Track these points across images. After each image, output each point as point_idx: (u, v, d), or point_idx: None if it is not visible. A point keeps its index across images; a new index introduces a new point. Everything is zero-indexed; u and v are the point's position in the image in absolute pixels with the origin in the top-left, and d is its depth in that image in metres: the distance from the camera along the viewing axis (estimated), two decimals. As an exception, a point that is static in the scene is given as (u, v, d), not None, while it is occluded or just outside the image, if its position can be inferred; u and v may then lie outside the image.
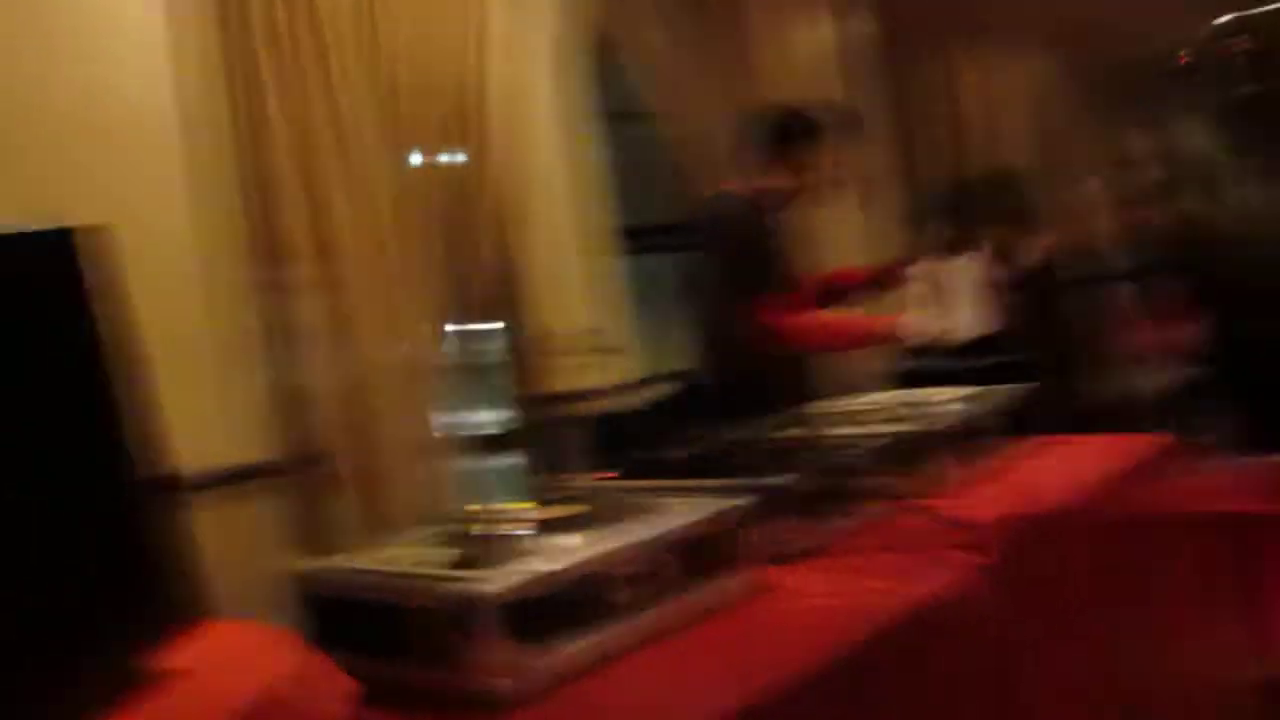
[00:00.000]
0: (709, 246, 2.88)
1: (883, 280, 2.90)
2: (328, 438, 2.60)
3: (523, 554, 1.31)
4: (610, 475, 1.95)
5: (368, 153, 2.70)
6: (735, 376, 2.92)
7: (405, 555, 1.45)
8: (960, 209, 3.88)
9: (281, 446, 2.60)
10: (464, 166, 3.01)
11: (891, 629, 1.37)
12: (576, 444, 3.37)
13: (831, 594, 1.47)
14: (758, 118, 2.98)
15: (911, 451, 1.88)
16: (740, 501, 1.50)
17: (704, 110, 3.85)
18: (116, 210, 2.40)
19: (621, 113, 3.97)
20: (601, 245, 3.58)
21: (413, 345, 2.78)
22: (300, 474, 2.61)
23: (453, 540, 1.39)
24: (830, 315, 2.80)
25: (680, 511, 1.47)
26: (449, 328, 3.02)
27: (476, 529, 1.34)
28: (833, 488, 1.67)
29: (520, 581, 1.21)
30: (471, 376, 3.84)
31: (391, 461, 2.68)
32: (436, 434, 2.85)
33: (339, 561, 1.47)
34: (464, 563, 1.31)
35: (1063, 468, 2.04)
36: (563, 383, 3.35)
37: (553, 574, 1.25)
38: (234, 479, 2.53)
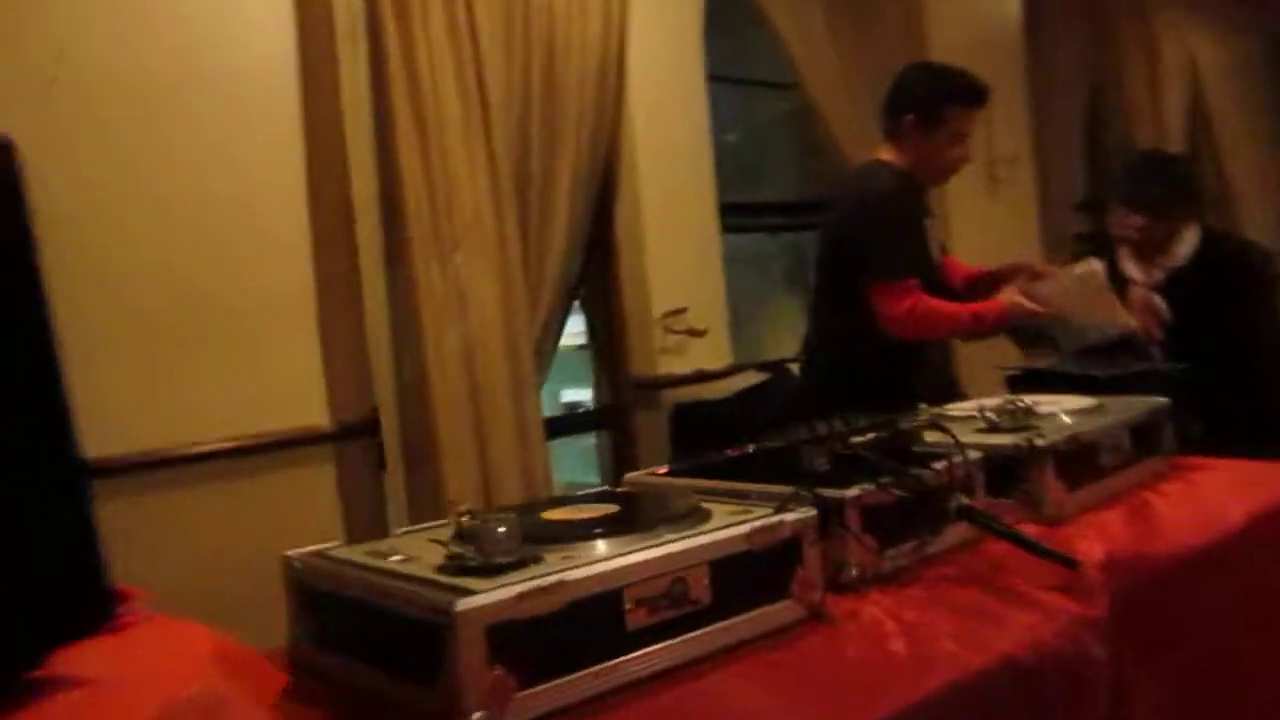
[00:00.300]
0: (851, 220, 2.62)
1: (1010, 277, 2.63)
2: (418, 407, 2.45)
3: (530, 562, 1.12)
4: (665, 470, 1.73)
5: (493, 114, 2.52)
6: (834, 367, 2.69)
7: (410, 548, 1.26)
8: (1107, 198, 3.52)
9: (363, 413, 2.47)
10: (585, 132, 2.81)
11: (968, 686, 1.13)
12: (657, 432, 3.17)
13: (899, 634, 1.23)
14: (916, 77, 2.70)
15: (1012, 468, 1.62)
16: (800, 514, 1.27)
17: (849, 76, 3.58)
18: (232, 165, 2.35)
19: (741, 79, 3.76)
20: (705, 220, 3.35)
21: (513, 317, 2.60)
22: (376, 442, 2.48)
23: (468, 538, 1.19)
24: (937, 301, 2.53)
25: (726, 521, 1.25)
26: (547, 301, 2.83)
27: (493, 526, 1.14)
28: (913, 505, 1.43)
29: (506, 598, 1.02)
30: (562, 355, 3.68)
31: (478, 437, 2.51)
32: (525, 413, 2.67)
33: (335, 551, 1.29)
34: (460, 566, 1.11)
35: (1197, 497, 1.74)
36: (648, 365, 3.14)
37: (551, 589, 1.05)
38: (327, 439, 2.44)
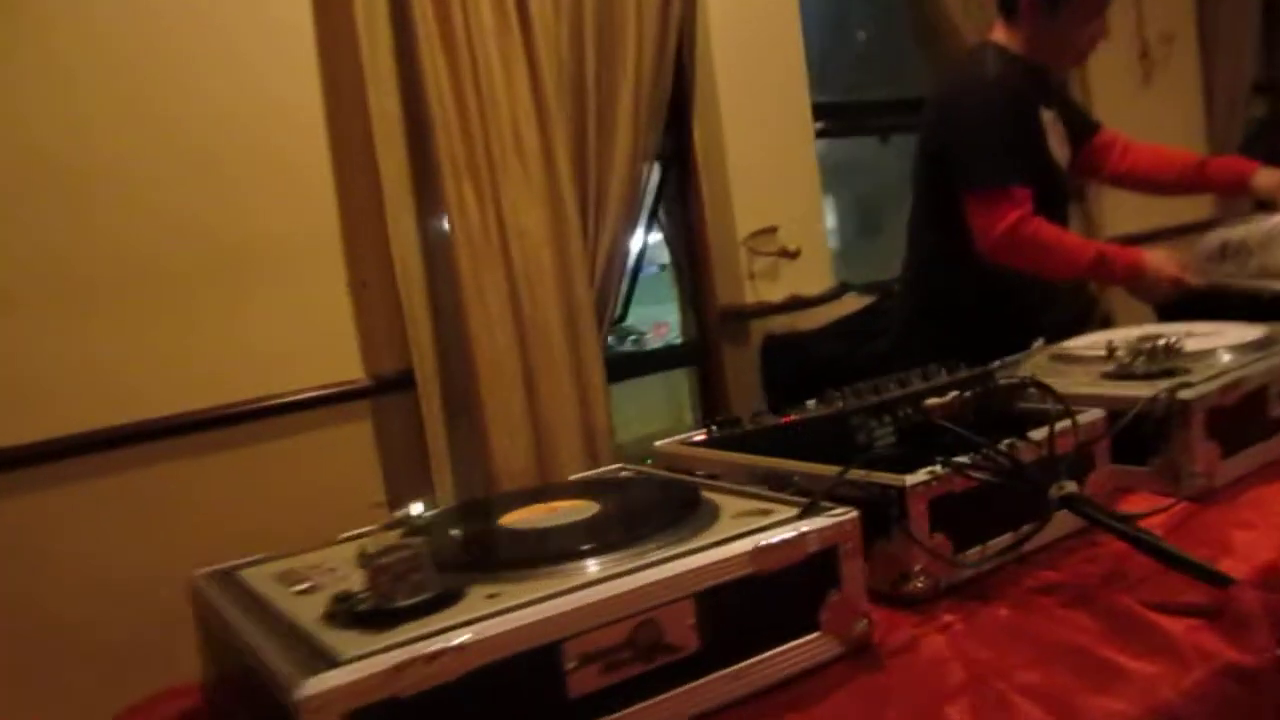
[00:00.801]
0: (944, 116, 2.18)
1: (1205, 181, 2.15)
2: (457, 355, 2.20)
3: (443, 603, 0.83)
4: (700, 438, 1.41)
5: (534, 16, 2.20)
6: (932, 297, 2.28)
7: (338, 567, 1.00)
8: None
9: (401, 364, 2.23)
10: (649, 30, 2.45)
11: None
12: (748, 368, 2.83)
13: (964, 687, 0.90)
14: None
15: (1148, 427, 1.24)
16: (830, 519, 0.94)
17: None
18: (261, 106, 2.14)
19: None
20: (797, 125, 2.94)
21: (565, 246, 2.29)
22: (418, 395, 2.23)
23: (373, 563, 0.91)
24: (1056, 229, 2.06)
25: (728, 530, 0.93)
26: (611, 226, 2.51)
27: (397, 553, 0.86)
28: (1001, 491, 1.07)
29: (374, 674, 0.73)
30: (638, 284, 3.37)
31: (528, 387, 2.24)
32: (582, 357, 2.36)
33: (243, 572, 1.04)
34: (350, 612, 0.83)
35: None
36: (734, 293, 2.80)
37: (445, 655, 0.76)
38: (363, 394, 2.22)
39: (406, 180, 2.14)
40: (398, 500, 2.25)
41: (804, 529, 0.92)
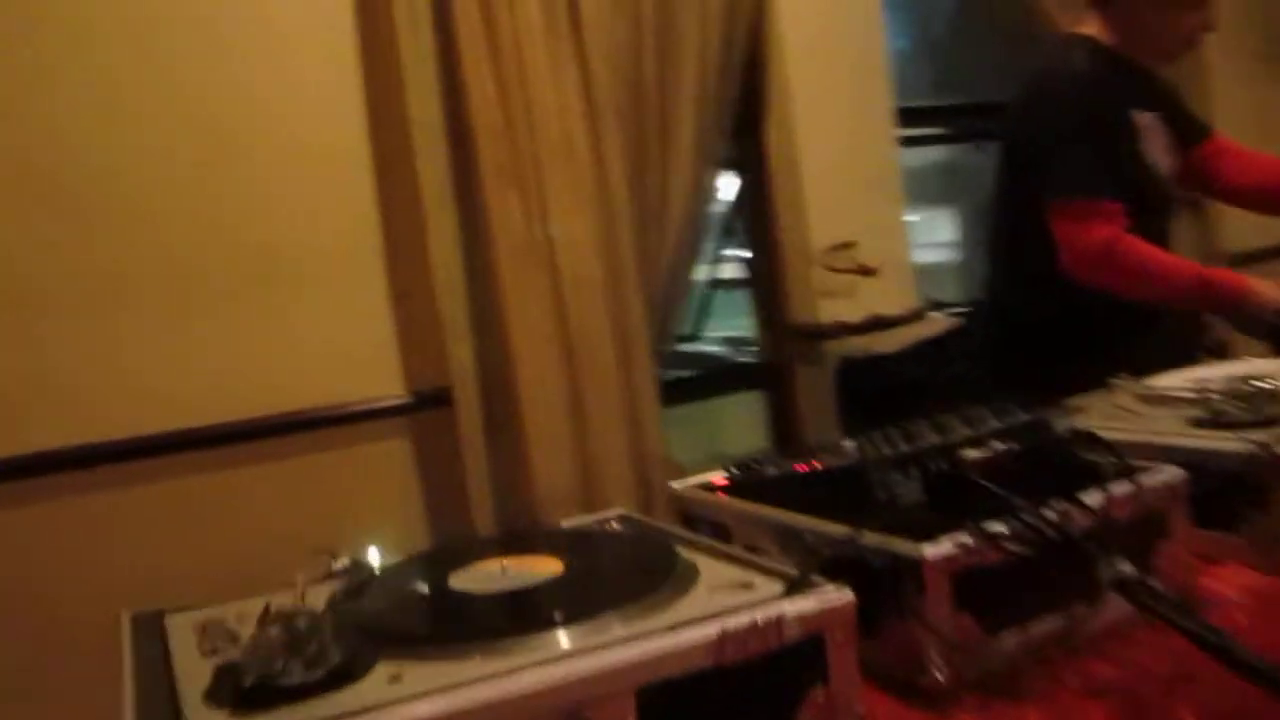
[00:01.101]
0: (1026, 118, 1.98)
1: None
2: (497, 370, 2.09)
3: (338, 682, 0.71)
4: (721, 482, 1.26)
5: (585, 14, 2.09)
6: (1013, 320, 2.07)
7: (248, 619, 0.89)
8: None
9: (442, 380, 2.13)
10: (714, 28, 2.31)
11: None
12: (822, 390, 2.66)
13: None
14: None
15: (1232, 496, 1.04)
16: (818, 599, 0.79)
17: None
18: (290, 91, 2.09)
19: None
20: (878, 130, 2.75)
21: (615, 257, 2.17)
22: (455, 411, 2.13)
23: (266, 630, 0.78)
24: (1151, 248, 1.82)
25: (697, 608, 0.79)
26: (673, 237, 2.37)
27: (295, 622, 0.74)
28: (1042, 566, 0.90)
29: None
30: (703, 300, 3.23)
31: (573, 406, 2.11)
32: (633, 376, 2.23)
33: (174, 617, 0.94)
34: (236, 688, 0.72)
35: None
36: (808, 310, 2.62)
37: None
38: (402, 410, 2.14)
39: (448, 186, 2.04)
40: (440, 522, 2.16)
41: (782, 611, 0.77)
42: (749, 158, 2.62)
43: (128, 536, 1.93)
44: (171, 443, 1.96)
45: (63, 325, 1.89)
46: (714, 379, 2.88)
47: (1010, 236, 2.02)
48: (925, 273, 4.34)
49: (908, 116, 2.84)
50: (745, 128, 2.53)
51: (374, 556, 0.98)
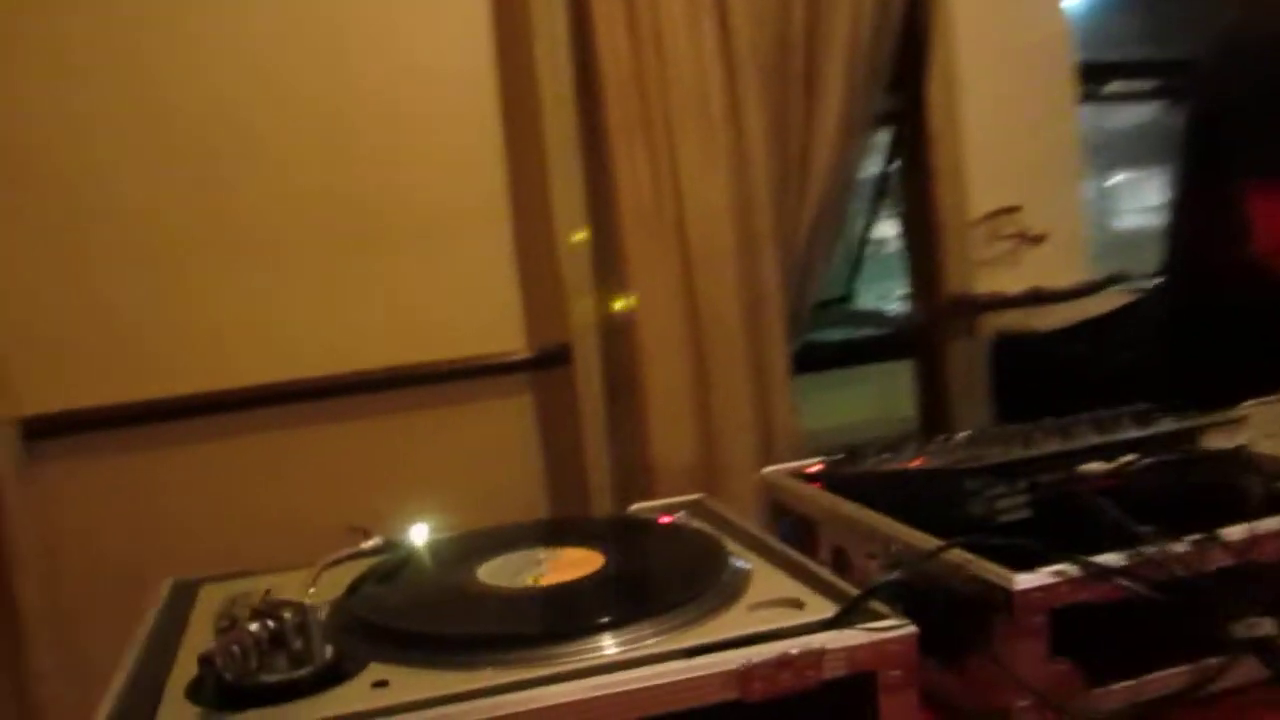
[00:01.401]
0: (1217, 84, 1.74)
1: None
2: (619, 332, 2.03)
3: (321, 683, 0.65)
4: (814, 469, 1.15)
5: None
6: (1195, 305, 1.84)
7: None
8: None
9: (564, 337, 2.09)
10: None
11: None
12: (976, 366, 2.47)
13: None
14: None
15: None
16: (873, 632, 0.68)
17: None
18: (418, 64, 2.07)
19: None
20: (1055, 87, 2.50)
21: (751, 218, 2.05)
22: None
23: (246, 623, 0.72)
24: None
25: (730, 629, 0.70)
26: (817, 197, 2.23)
27: (283, 617, 0.69)
28: (1161, 611, 0.76)
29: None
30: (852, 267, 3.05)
31: (697, 372, 2.03)
32: (762, 343, 2.11)
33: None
34: (218, 687, 0.67)
35: None
36: (964, 280, 2.43)
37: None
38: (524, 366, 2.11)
39: (573, 141, 1.96)
40: (558, 487, 2.12)
41: (824, 644, 0.67)
42: (906, 113, 2.44)
43: (247, 480, 1.97)
44: (307, 390, 1.99)
45: (207, 278, 1.93)
46: (862, 346, 2.72)
47: (1193, 210, 1.78)
48: (1126, 240, 4.00)
49: (1104, 72, 2.58)
50: (903, 81, 2.35)
51: (417, 535, 0.92)
